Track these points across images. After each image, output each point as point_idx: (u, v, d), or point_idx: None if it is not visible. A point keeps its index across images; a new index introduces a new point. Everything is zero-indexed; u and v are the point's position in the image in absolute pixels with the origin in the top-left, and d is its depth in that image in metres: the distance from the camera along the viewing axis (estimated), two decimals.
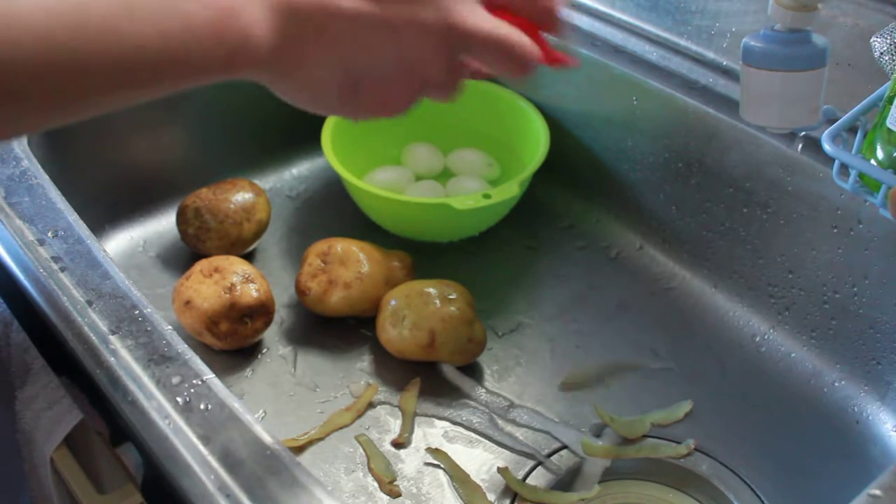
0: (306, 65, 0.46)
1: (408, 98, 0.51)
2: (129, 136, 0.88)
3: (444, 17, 0.48)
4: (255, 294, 0.75)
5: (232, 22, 0.43)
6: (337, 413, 0.73)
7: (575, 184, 0.94)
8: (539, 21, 0.53)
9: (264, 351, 0.78)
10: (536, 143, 0.88)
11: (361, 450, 0.71)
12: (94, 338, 0.57)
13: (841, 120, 0.57)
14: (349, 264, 0.78)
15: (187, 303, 0.74)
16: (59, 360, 0.65)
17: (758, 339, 0.81)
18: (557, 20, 0.54)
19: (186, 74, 0.43)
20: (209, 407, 0.53)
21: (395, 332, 0.74)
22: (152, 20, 0.40)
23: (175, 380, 0.55)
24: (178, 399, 0.54)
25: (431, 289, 0.75)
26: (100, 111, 0.43)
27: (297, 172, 0.99)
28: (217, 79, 0.44)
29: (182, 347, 0.57)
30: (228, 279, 0.74)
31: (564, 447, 0.71)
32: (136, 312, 0.59)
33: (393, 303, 0.75)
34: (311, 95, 0.49)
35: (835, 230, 0.74)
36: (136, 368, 0.55)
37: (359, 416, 0.73)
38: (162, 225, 0.90)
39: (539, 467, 0.70)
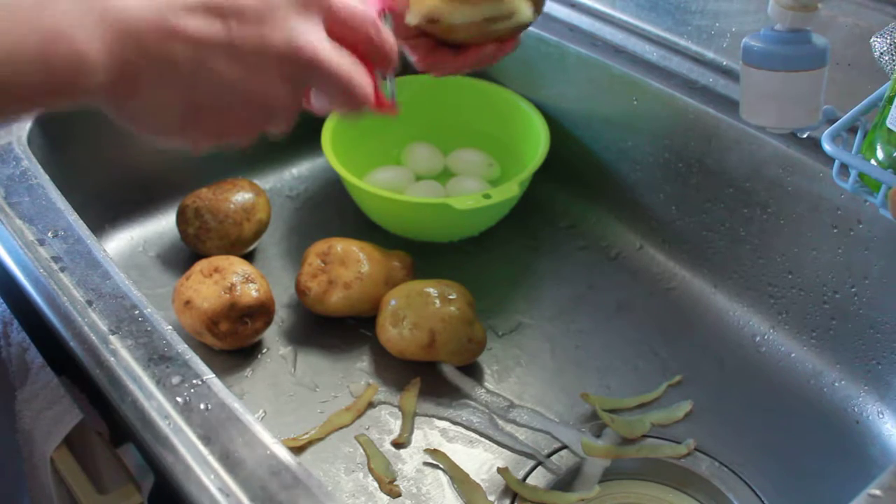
0: (146, 89, 0.44)
1: (250, 126, 0.49)
2: (129, 136, 0.86)
3: (293, 43, 0.46)
4: (255, 294, 0.75)
5: (63, 47, 0.40)
6: (337, 413, 0.73)
7: (575, 184, 0.94)
8: (374, 59, 0.52)
9: (264, 351, 0.78)
10: (536, 143, 0.88)
11: (361, 450, 0.71)
12: (94, 338, 0.57)
13: (841, 120, 0.57)
14: (349, 264, 0.78)
15: (187, 303, 0.74)
16: (59, 360, 0.65)
17: (758, 339, 0.81)
18: (391, 61, 0.53)
19: (20, 100, 0.41)
20: (209, 407, 0.53)
21: (395, 332, 0.74)
22: None
23: (175, 380, 0.55)
24: (178, 399, 0.54)
25: (431, 289, 0.75)
26: None
27: (297, 172, 0.99)
28: (54, 104, 0.43)
29: (182, 347, 0.57)
30: (228, 279, 0.74)
31: (564, 447, 0.72)
32: (136, 312, 0.59)
33: (393, 303, 0.75)
34: (151, 122, 0.47)
35: (835, 230, 0.74)
36: (136, 368, 0.55)
37: (359, 416, 0.73)
38: (162, 225, 0.90)
39: (539, 467, 0.70)
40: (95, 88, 0.42)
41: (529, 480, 0.69)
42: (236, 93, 0.46)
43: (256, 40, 0.45)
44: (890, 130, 0.55)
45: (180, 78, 0.44)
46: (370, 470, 0.69)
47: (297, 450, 0.70)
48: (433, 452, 0.70)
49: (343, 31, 0.50)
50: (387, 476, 0.68)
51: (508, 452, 0.71)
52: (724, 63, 0.83)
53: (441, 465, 0.70)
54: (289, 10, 0.46)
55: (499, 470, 0.69)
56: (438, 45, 0.65)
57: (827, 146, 0.56)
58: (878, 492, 0.49)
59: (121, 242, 0.89)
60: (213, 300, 0.73)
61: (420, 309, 0.74)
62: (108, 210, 0.88)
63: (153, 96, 0.45)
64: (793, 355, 0.79)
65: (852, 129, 0.58)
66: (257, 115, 0.48)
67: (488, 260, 0.89)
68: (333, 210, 0.94)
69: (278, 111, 0.49)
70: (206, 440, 0.51)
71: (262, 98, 0.47)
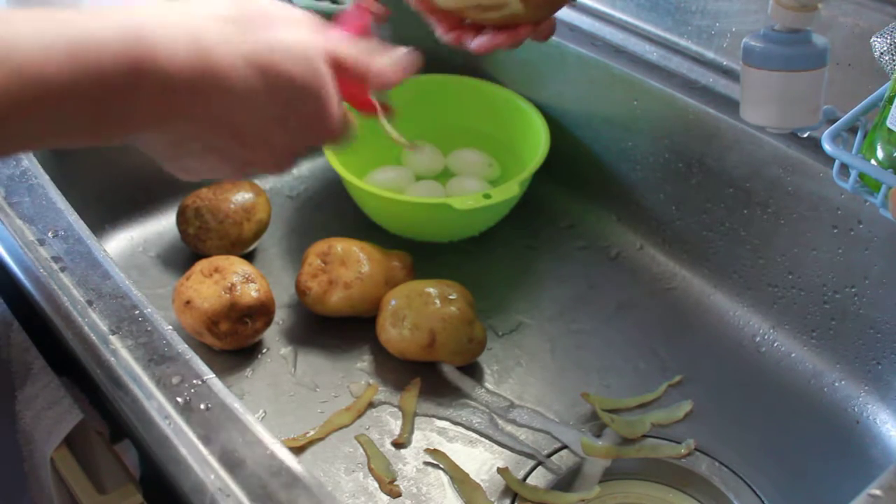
0: (179, 120, 0.47)
1: (272, 165, 0.53)
2: None
3: (319, 113, 0.50)
4: (255, 294, 0.75)
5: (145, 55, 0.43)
6: (337, 413, 0.73)
7: (575, 184, 0.94)
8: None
9: (264, 351, 0.78)
10: (536, 143, 0.88)
11: (361, 450, 0.71)
12: (94, 338, 0.57)
13: (841, 120, 0.57)
14: (349, 264, 0.78)
15: (187, 303, 0.74)
16: (59, 360, 0.65)
17: (758, 339, 0.81)
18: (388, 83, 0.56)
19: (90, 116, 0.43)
20: (209, 407, 0.53)
21: (396, 332, 0.74)
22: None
23: (175, 380, 0.55)
24: (179, 399, 0.54)
25: (431, 289, 0.75)
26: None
27: (297, 172, 0.99)
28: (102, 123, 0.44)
29: (182, 347, 0.57)
30: (228, 279, 0.74)
31: (564, 447, 0.72)
32: (137, 312, 0.59)
33: (393, 303, 0.75)
34: (168, 152, 0.50)
35: (835, 230, 0.74)
36: (137, 368, 0.55)
37: (359, 416, 0.73)
38: (162, 225, 0.90)
39: (539, 467, 0.70)
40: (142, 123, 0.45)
41: (529, 480, 0.69)
42: (257, 137, 0.50)
43: (295, 107, 0.49)
44: (890, 130, 0.55)
45: (209, 118, 0.47)
46: (370, 470, 0.69)
47: (297, 450, 0.70)
48: (433, 452, 0.70)
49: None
50: (387, 476, 0.68)
51: (508, 452, 0.71)
52: (724, 63, 0.83)
53: (441, 465, 0.70)
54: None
55: (499, 470, 0.69)
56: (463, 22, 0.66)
57: (827, 146, 0.56)
58: (878, 492, 0.49)
59: (121, 242, 0.89)
60: (213, 300, 0.73)
61: (420, 309, 0.74)
62: (108, 210, 0.88)
63: (181, 128, 0.47)
64: (793, 355, 0.79)
65: (852, 129, 0.58)
66: (274, 157, 0.52)
67: (488, 260, 0.89)
68: (333, 210, 0.94)
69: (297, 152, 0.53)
70: (206, 440, 0.51)
71: (268, 144, 0.51)
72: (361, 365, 0.78)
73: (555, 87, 0.92)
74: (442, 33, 0.67)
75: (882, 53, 0.62)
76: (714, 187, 0.82)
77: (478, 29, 0.66)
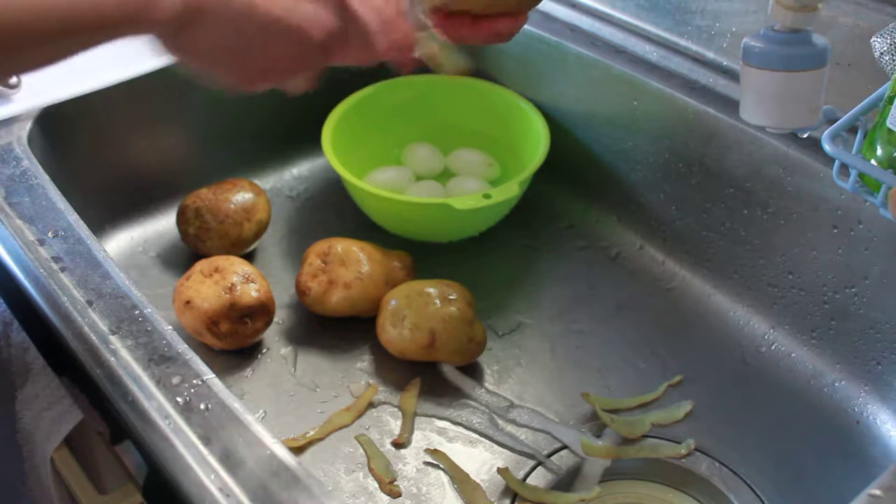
0: (207, 21, 0.50)
1: (293, 63, 0.55)
2: (129, 136, 0.88)
3: None
4: (255, 294, 0.75)
5: None
6: (337, 413, 0.73)
7: (575, 184, 0.94)
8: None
9: (264, 351, 0.78)
10: (536, 143, 0.88)
11: (361, 450, 0.71)
12: (94, 338, 0.57)
13: (841, 120, 0.57)
14: (349, 264, 0.78)
15: (187, 303, 0.74)
16: (59, 360, 0.65)
17: (758, 339, 0.81)
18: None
19: (92, 29, 0.46)
20: (209, 407, 0.53)
21: (396, 332, 0.74)
22: None
23: (175, 380, 0.55)
24: (178, 399, 0.54)
25: (431, 289, 0.75)
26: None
27: (297, 172, 0.99)
28: (121, 35, 0.48)
29: (182, 347, 0.57)
30: (228, 279, 0.74)
31: (564, 447, 0.72)
32: (137, 312, 0.59)
33: (393, 303, 0.75)
34: (206, 54, 0.52)
35: (835, 230, 0.74)
36: (137, 368, 0.55)
37: (359, 416, 0.73)
38: (162, 225, 0.91)
39: (539, 467, 0.70)
40: (165, 19, 0.48)
41: (529, 480, 0.69)
42: (282, 24, 0.52)
43: None
44: (890, 130, 0.55)
45: (236, 9, 0.51)
46: (370, 470, 0.69)
47: (297, 450, 0.70)
48: (433, 452, 0.70)
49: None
50: (387, 476, 0.68)
51: (508, 452, 0.71)
52: (724, 63, 0.83)
53: (441, 466, 0.70)
54: None
55: (499, 470, 0.69)
56: (454, 13, 0.66)
57: (827, 146, 0.56)
58: (878, 492, 0.49)
59: (121, 242, 0.89)
60: (213, 300, 0.73)
61: (420, 309, 0.74)
62: (108, 210, 0.88)
63: (211, 28, 0.50)
64: (793, 355, 0.79)
65: (852, 129, 0.58)
66: (299, 49, 0.54)
67: (488, 260, 0.89)
68: (333, 210, 0.94)
69: (316, 47, 0.54)
70: (206, 440, 0.51)
71: (304, 30, 0.53)
72: (361, 365, 0.78)
73: (555, 87, 0.92)
74: (434, 26, 0.67)
75: (882, 53, 0.62)
76: (714, 187, 0.82)
77: (465, 20, 0.66)
